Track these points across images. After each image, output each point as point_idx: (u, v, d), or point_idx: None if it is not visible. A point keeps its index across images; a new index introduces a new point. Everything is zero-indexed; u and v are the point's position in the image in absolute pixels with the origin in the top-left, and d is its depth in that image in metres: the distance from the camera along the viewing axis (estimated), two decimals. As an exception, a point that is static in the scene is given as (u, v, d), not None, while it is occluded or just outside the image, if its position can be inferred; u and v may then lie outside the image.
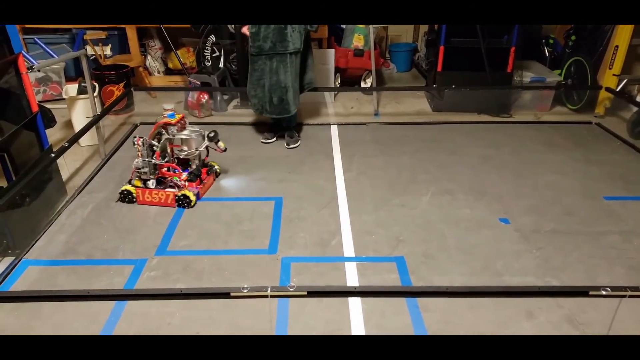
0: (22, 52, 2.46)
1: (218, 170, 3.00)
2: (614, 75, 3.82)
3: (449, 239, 2.40)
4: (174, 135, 2.70)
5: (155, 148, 2.65)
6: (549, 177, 3.00)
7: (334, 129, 3.78)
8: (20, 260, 2.23)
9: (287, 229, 2.48)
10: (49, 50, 3.80)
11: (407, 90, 4.68)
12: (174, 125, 2.69)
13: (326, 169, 3.13)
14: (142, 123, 3.92)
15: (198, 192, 2.71)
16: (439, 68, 4.10)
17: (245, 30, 3.19)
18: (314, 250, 2.32)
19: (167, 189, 2.66)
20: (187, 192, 2.62)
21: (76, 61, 4.52)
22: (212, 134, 2.73)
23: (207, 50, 4.40)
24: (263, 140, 3.53)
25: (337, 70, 4.50)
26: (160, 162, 2.66)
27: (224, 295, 1.69)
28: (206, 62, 4.41)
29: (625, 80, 3.85)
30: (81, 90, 3.48)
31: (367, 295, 1.98)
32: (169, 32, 4.56)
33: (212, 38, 4.38)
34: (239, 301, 1.95)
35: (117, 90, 4.11)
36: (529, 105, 4.16)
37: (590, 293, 1.54)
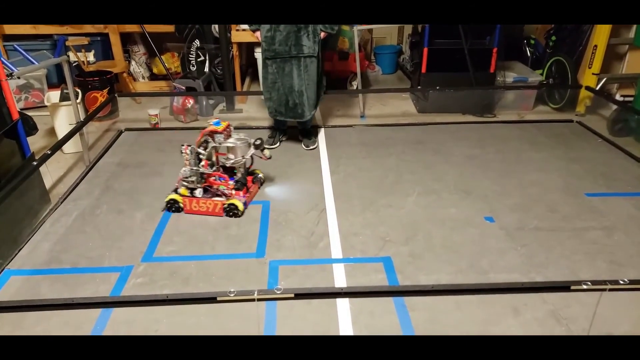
0: (1, 59, 2.43)
1: (262, 178, 2.94)
2: (593, 74, 3.89)
3: (435, 238, 2.42)
4: (220, 143, 2.61)
5: (202, 156, 2.59)
6: (532, 176, 3.05)
7: (321, 132, 3.80)
8: (2, 270, 2.19)
9: (275, 232, 2.48)
10: (29, 57, 3.75)
11: (393, 92, 4.71)
12: (220, 133, 2.60)
13: (313, 172, 3.14)
14: (127, 129, 3.89)
15: (245, 201, 2.65)
16: (423, 69, 4.14)
17: (258, 35, 3.20)
18: (301, 253, 2.32)
19: (213, 198, 2.60)
20: (235, 201, 2.56)
21: (59, 68, 4.46)
22: (258, 142, 2.63)
23: (191, 54, 4.39)
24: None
25: (320, 73, 4.51)
26: (208, 170, 2.60)
27: (211, 300, 1.68)
28: (191, 67, 4.40)
29: (605, 79, 3.93)
30: (64, 97, 3.44)
31: (354, 295, 1.99)
32: (152, 37, 4.53)
33: (197, 42, 4.37)
34: (227, 306, 1.94)
35: (100, 96, 4.07)
36: (512, 105, 4.22)
37: (572, 288, 1.57)
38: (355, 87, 4.69)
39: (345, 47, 4.87)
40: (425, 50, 4.07)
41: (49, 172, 3.08)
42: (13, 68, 2.65)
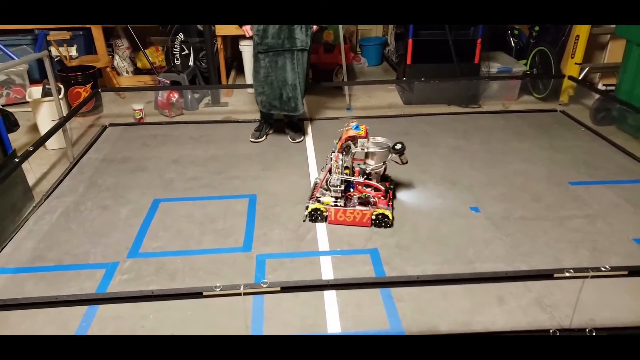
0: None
1: (394, 182, 2.77)
2: (576, 64, 3.93)
3: (422, 229, 2.44)
4: (363, 149, 2.44)
5: (344, 163, 2.44)
6: (517, 165, 3.08)
7: (307, 125, 3.79)
8: (-15, 269, 2.16)
9: (262, 226, 2.48)
10: (8, 52, 3.68)
11: (378, 84, 4.71)
12: (364, 137, 2.41)
13: (300, 165, 3.13)
14: (111, 124, 3.84)
15: (392, 209, 2.49)
16: (409, 61, 4.14)
17: (248, 29, 3.16)
18: (289, 246, 2.32)
19: (357, 208, 2.43)
20: (385, 211, 2.38)
21: (40, 63, 4.38)
22: (398, 146, 2.45)
23: (176, 48, 4.34)
24: (252, 140, 3.47)
25: (308, 65, 4.50)
26: (360, 179, 2.46)
27: (197, 295, 1.68)
28: (175, 61, 4.35)
29: (587, 69, 3.98)
30: (46, 93, 3.38)
31: (341, 288, 1.99)
32: (136, 31, 4.47)
33: (181, 36, 4.32)
34: (214, 301, 1.92)
35: (84, 91, 4.01)
36: (497, 95, 4.25)
37: (555, 275, 1.59)
38: (341, 80, 4.67)
39: (330, 39, 4.85)
40: (410, 41, 4.08)
41: (32, 169, 3.03)
42: (-9, 63, 2.60)
